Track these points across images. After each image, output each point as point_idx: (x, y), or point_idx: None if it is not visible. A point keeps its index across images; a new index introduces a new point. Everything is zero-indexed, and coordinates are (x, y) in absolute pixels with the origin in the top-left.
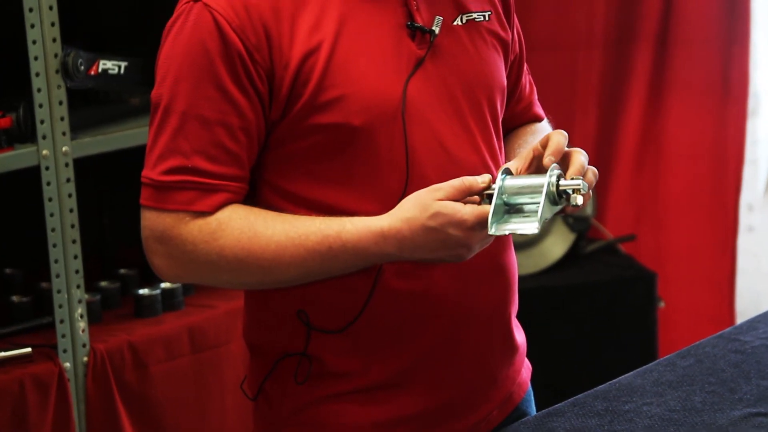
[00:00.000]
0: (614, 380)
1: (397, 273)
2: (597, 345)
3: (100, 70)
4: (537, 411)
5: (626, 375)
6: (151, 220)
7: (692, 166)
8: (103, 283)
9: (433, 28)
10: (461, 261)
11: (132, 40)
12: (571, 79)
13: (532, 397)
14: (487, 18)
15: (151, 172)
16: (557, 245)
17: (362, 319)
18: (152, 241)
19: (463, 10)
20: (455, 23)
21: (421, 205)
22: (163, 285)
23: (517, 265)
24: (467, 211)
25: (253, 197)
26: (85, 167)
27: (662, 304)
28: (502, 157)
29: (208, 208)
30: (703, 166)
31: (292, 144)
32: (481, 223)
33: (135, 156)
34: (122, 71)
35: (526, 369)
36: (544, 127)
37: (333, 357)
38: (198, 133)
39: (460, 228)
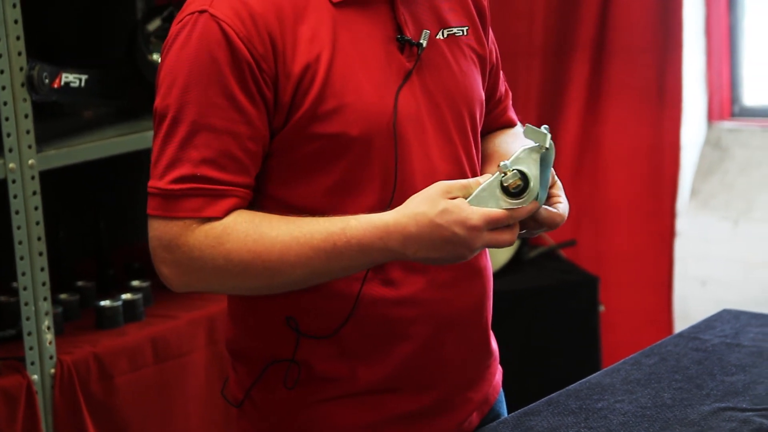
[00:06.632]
0: (584, 379)
1: (383, 280)
2: (542, 348)
3: (62, 83)
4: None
5: (595, 374)
6: (159, 230)
7: (630, 172)
8: (63, 296)
9: (421, 41)
10: (461, 261)
11: (85, 53)
12: (511, 86)
13: (504, 399)
14: (465, 33)
15: (159, 182)
16: (502, 251)
17: (349, 325)
18: (160, 250)
19: (444, 25)
20: (437, 37)
21: (430, 201)
22: (124, 296)
23: (492, 269)
24: (473, 210)
25: (251, 208)
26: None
27: (602, 308)
28: (479, 168)
29: (216, 213)
30: (641, 171)
31: (291, 152)
32: (486, 223)
33: (89, 168)
34: (83, 84)
35: (499, 372)
36: (518, 132)
37: (320, 362)
38: (207, 142)
39: (465, 227)
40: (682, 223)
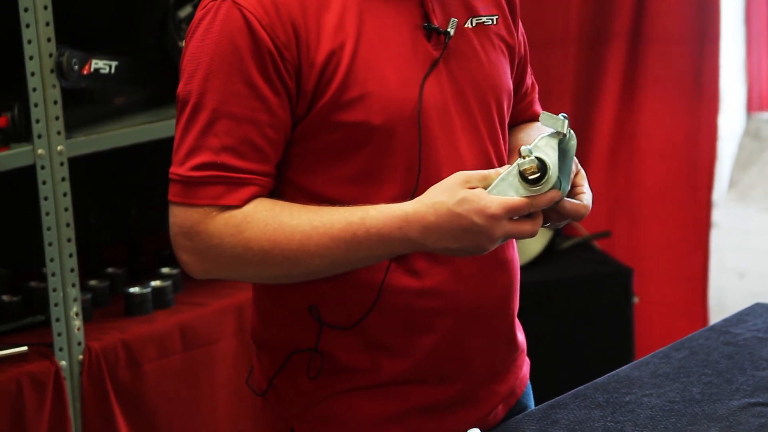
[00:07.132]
0: (612, 372)
1: (407, 270)
2: (575, 340)
3: (92, 69)
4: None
5: (623, 367)
6: (180, 216)
7: (665, 163)
8: (93, 282)
9: (448, 29)
10: (482, 253)
11: (115, 39)
12: (546, 75)
13: (531, 392)
14: (494, 22)
15: (179, 168)
16: (534, 241)
17: (372, 316)
18: (180, 236)
19: (473, 14)
20: (466, 26)
21: (449, 191)
22: (153, 283)
23: (519, 262)
24: (492, 199)
25: (274, 195)
26: (70, 167)
27: (636, 300)
28: (506, 159)
29: (236, 201)
30: (677, 162)
31: (314, 140)
32: (506, 211)
33: (119, 155)
34: (113, 70)
35: (526, 365)
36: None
37: (343, 353)
38: (228, 130)
39: (484, 215)
40: (720, 215)
